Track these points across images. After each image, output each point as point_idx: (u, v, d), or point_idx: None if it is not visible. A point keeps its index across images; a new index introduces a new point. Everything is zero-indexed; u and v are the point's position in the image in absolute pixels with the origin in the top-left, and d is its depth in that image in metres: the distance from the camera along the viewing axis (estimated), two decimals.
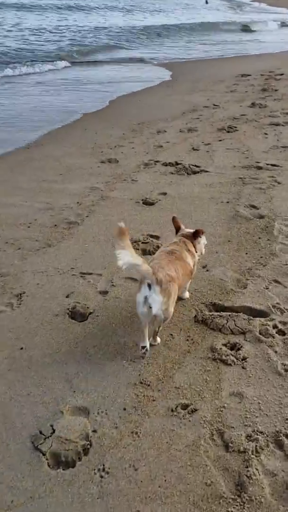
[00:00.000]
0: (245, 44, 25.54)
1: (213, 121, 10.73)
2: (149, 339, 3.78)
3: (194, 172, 7.68)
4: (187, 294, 4.40)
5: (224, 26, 30.96)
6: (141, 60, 20.05)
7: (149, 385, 3.46)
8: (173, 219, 4.41)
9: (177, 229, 4.39)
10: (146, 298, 3.48)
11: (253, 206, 6.30)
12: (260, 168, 7.64)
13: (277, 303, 4.29)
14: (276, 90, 13.69)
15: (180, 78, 16.46)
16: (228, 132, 9.79)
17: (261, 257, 5.10)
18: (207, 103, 12.50)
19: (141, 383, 3.49)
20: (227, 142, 9.13)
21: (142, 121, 11.09)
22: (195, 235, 4.22)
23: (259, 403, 3.27)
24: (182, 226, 4.40)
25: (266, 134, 9.47)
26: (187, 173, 7.65)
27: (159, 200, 6.67)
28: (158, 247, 5.35)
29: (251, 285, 4.60)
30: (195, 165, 7.90)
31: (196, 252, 4.21)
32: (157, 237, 5.62)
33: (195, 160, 8.16)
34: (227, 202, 6.47)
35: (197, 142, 9.22)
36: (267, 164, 7.74)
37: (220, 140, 9.25)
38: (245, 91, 13.93)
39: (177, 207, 6.38)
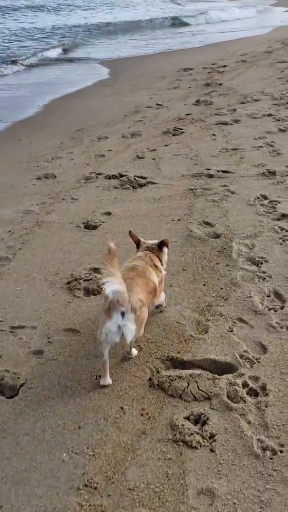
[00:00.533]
0: (186, 37, 25.00)
1: (157, 123, 10.05)
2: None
3: (140, 185, 6.97)
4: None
5: (164, 21, 30.25)
6: (78, 59, 19.18)
7: (96, 488, 2.73)
8: (130, 233, 4.09)
9: (137, 243, 4.09)
10: (119, 327, 3.22)
11: (208, 223, 5.66)
12: (211, 176, 7.00)
13: (245, 351, 3.64)
14: (220, 84, 13.16)
15: (121, 76, 15.73)
16: (174, 135, 9.13)
17: (221, 288, 4.45)
18: (150, 103, 11.82)
19: (86, 486, 2.75)
20: (173, 146, 8.47)
21: (82, 126, 10.29)
22: (161, 246, 3.98)
23: (234, 503, 2.60)
24: (142, 239, 4.09)
25: (214, 135, 8.87)
26: (133, 187, 6.93)
27: (103, 222, 5.93)
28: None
29: (212, 327, 3.94)
30: (141, 177, 7.19)
31: (162, 265, 3.97)
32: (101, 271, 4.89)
33: (141, 170, 7.46)
34: (179, 220, 5.80)
35: (141, 148, 8.52)
36: (218, 171, 7.12)
37: (166, 145, 8.58)
38: (188, 87, 13.33)
39: (123, 229, 5.65)
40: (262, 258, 4.82)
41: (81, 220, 5.98)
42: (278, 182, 6.55)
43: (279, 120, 9.28)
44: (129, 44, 22.53)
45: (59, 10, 34.95)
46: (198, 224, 5.66)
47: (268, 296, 4.28)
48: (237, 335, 3.83)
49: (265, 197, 6.16)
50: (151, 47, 21.75)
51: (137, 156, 8.13)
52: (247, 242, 5.14)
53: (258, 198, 6.15)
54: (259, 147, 7.97)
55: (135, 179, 7.07)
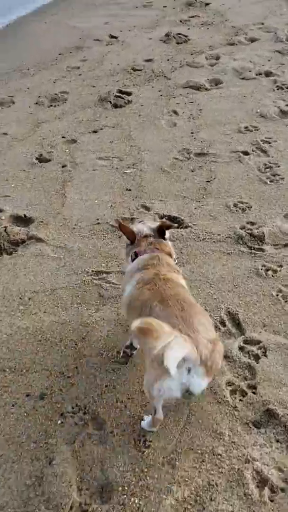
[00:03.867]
0: None
1: (99, 74, 6.27)
2: None
3: (16, 243, 3.59)
4: None
5: None
6: None
7: None
8: (120, 225, 2.44)
9: (132, 237, 2.44)
10: (183, 384, 1.90)
11: None
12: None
13: None
14: (207, 5, 8.96)
15: None
16: (116, 107, 5.46)
17: None
18: (102, 32, 7.82)
19: None
20: (105, 135, 4.87)
21: None
22: (161, 231, 2.44)
23: None
24: (135, 229, 2.47)
25: (175, 113, 5.20)
26: (2, 248, 3.54)
27: None
28: None
29: None
30: (25, 218, 3.78)
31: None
32: None
33: (35, 199, 4.00)
34: None
35: (54, 134, 4.93)
36: (163, 216, 3.67)
37: (95, 131, 4.97)
38: (163, 6, 9.13)
39: None
40: None
41: None
42: (265, 270, 3.15)
43: (281, 87, 5.53)
44: None
45: None
46: None
47: None
48: None
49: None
50: None
51: (40, 156, 4.58)
52: None
53: None
54: (243, 153, 4.40)
55: (6, 231, 3.61)
